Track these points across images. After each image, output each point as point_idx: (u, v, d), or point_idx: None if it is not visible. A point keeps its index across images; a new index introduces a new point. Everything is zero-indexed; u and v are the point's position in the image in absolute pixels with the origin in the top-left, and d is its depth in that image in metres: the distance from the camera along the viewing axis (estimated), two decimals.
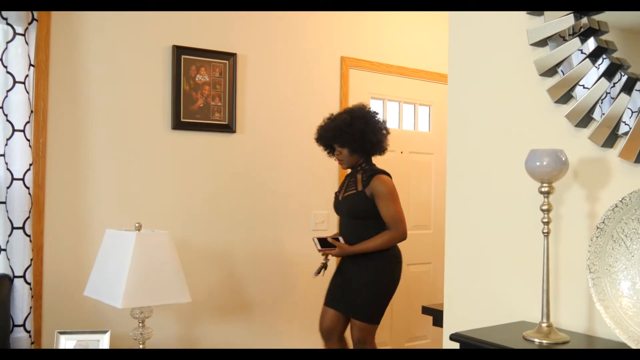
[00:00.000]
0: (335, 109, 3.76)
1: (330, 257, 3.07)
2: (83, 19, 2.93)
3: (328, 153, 3.18)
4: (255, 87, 3.44)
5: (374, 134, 3.00)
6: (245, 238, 3.40)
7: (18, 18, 2.65)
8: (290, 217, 3.57)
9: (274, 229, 3.51)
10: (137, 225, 2.52)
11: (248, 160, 3.42)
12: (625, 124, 1.62)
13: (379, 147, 3.05)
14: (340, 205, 3.09)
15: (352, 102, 3.92)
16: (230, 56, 3.31)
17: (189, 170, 3.23)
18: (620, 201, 1.50)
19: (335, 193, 3.17)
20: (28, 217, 2.65)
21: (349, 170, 3.19)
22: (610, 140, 1.65)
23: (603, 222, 1.53)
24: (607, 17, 1.70)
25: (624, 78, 1.63)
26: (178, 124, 3.16)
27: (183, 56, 3.16)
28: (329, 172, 3.73)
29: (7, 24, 2.63)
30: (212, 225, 3.29)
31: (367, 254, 2.98)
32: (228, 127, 3.32)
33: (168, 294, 2.43)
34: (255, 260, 3.44)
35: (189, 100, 3.19)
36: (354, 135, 2.96)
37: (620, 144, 1.63)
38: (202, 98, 3.23)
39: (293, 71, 3.59)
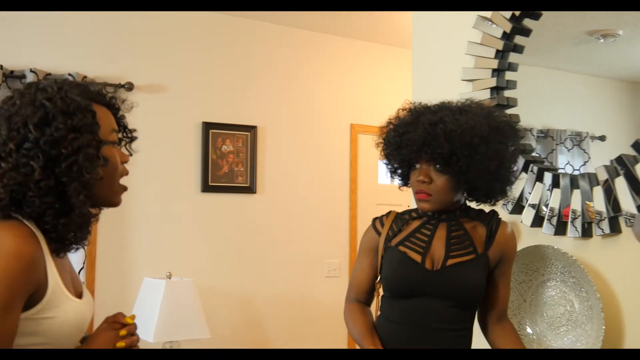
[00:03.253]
0: (345, 171, 4.29)
1: None
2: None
3: (394, 172, 1.81)
4: (273, 154, 4.02)
5: (511, 167, 1.71)
6: (264, 284, 3.92)
7: None
8: (304, 266, 4.07)
9: (290, 277, 4.01)
10: (167, 274, 3.09)
11: (267, 216, 3.97)
12: (525, 198, 2.09)
13: (504, 193, 1.74)
14: (436, 279, 1.66)
15: (361, 164, 4.44)
16: (251, 128, 3.91)
17: (216, 226, 3.80)
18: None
19: (402, 253, 1.71)
20: (82, 268, 3.25)
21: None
22: (517, 209, 2.12)
23: None
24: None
25: (522, 161, 2.10)
26: (206, 187, 3.75)
27: (211, 130, 3.77)
28: (339, 225, 4.23)
29: None
30: (236, 273, 3.83)
31: None
32: (250, 189, 3.89)
33: (191, 331, 2.97)
34: (273, 304, 3.95)
35: (216, 167, 3.78)
36: (483, 159, 1.61)
37: (523, 212, 2.09)
38: (227, 165, 3.82)
39: (306, 138, 4.15)
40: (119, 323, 1.33)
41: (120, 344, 1.29)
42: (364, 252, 1.83)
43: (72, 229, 1.23)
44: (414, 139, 1.65)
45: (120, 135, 1.37)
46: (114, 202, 1.35)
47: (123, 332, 1.31)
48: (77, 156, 1.18)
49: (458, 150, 1.59)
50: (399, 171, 1.78)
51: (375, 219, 1.84)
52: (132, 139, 1.41)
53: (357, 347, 1.74)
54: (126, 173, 1.37)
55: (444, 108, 1.69)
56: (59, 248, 1.23)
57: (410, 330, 1.66)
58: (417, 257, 1.67)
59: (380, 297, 1.79)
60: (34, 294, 1.16)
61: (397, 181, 1.82)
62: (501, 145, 1.65)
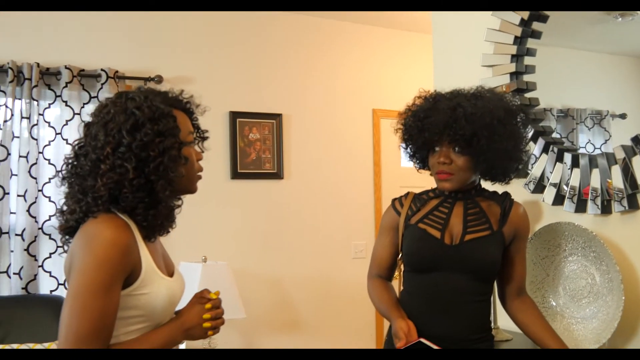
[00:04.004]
0: (368, 155, 4.40)
1: None
2: None
3: (412, 156, 1.92)
4: (298, 140, 4.14)
5: (524, 147, 1.83)
6: (293, 266, 4.06)
7: (71, 97, 3.37)
8: (331, 248, 4.20)
9: (318, 258, 4.15)
10: (203, 258, 3.24)
11: (295, 201, 4.10)
12: (546, 177, 2.18)
13: (517, 171, 1.85)
14: (455, 253, 1.76)
15: (384, 148, 4.53)
16: (277, 116, 4.03)
17: (246, 212, 3.94)
18: (534, 234, 2.06)
19: (422, 230, 1.81)
20: None
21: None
22: (539, 189, 2.21)
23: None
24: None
25: (543, 142, 2.19)
26: (236, 174, 3.88)
27: (238, 119, 3.90)
28: (364, 208, 4.35)
29: (67, 105, 3.37)
30: (266, 256, 3.97)
31: None
32: (277, 175, 4.02)
33: (227, 311, 3.10)
34: (302, 285, 4.09)
35: (244, 154, 3.91)
36: (501, 139, 1.71)
37: (545, 191, 2.19)
38: (254, 152, 3.95)
39: (330, 124, 4.26)
40: (205, 298, 1.49)
41: (206, 316, 1.46)
42: (385, 230, 1.93)
43: (160, 219, 1.42)
44: (435, 123, 1.74)
45: (194, 135, 1.54)
46: (191, 190, 1.54)
47: (208, 305, 1.47)
48: (163, 157, 1.36)
49: (478, 132, 1.68)
50: (418, 155, 1.88)
51: (394, 200, 1.95)
52: (204, 138, 1.60)
53: (385, 320, 1.83)
54: (201, 169, 1.55)
55: (458, 94, 1.79)
56: (150, 234, 1.42)
57: (430, 303, 1.76)
58: (437, 233, 1.78)
59: (402, 273, 1.90)
60: (131, 275, 1.34)
61: (415, 164, 1.93)
62: (515, 126, 1.77)
